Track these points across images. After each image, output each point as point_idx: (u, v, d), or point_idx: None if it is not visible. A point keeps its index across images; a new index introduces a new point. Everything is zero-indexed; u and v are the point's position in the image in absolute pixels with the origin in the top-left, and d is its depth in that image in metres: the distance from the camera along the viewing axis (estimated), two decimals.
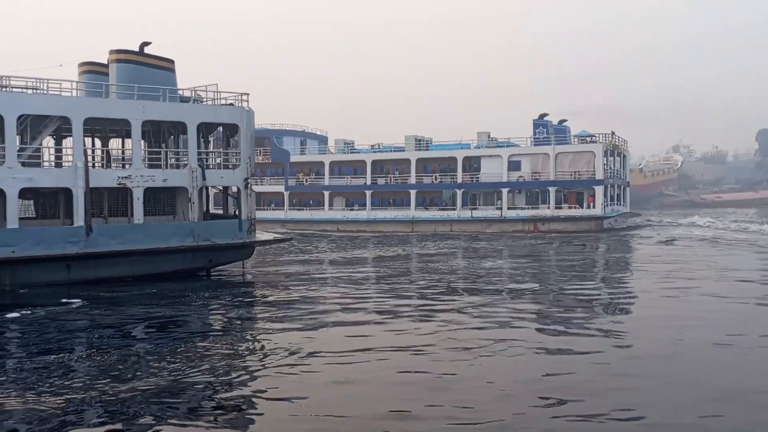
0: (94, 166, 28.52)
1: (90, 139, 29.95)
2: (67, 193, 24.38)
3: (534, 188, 54.92)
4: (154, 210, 26.74)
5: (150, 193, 26.09)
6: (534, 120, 57.11)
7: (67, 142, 26.41)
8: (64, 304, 20.15)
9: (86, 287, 23.17)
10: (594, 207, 52.61)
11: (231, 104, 28.04)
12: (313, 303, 20.19)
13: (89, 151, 27.98)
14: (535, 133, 56.45)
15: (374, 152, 61.06)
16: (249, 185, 27.61)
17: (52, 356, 13.85)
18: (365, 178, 59.24)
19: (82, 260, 23.92)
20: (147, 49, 27.53)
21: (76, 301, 20.58)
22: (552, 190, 53.42)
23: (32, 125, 24.02)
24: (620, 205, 58.70)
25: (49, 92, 24.42)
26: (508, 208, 54.41)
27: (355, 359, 13.34)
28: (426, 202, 58.13)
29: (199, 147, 27.70)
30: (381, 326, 16.63)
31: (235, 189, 28.37)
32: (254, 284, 25.53)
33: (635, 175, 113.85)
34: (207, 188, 29.11)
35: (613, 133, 57.47)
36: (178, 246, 25.63)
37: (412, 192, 57.07)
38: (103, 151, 29.36)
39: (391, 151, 60.88)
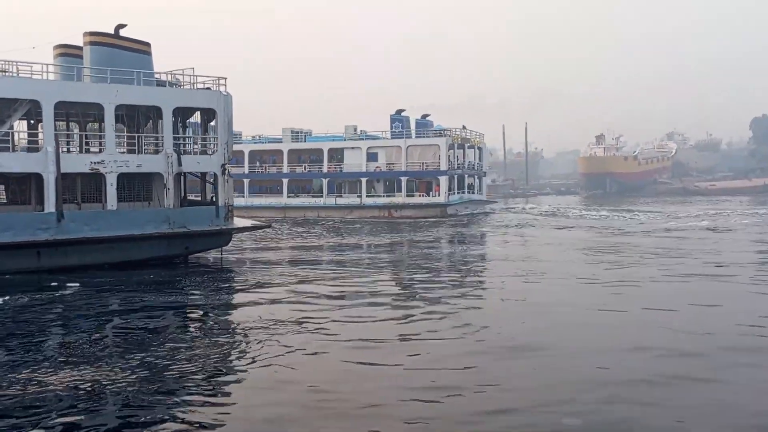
0: (69, 151, 28.20)
1: (65, 123, 29.50)
2: (38, 178, 24.11)
3: (389, 178, 59.63)
4: (129, 196, 26.53)
5: (124, 179, 25.86)
6: (391, 115, 62.04)
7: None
8: (35, 291, 19.99)
9: (57, 275, 22.99)
10: (439, 195, 57.90)
11: (208, 88, 27.65)
12: (292, 290, 20.24)
13: (62, 136, 27.55)
14: (392, 127, 61.49)
15: (254, 143, 64.83)
16: (226, 171, 27.30)
17: (23, 347, 13.74)
18: (243, 167, 62.22)
19: (52, 247, 23.73)
20: (122, 32, 27.17)
21: (48, 290, 20.42)
22: (404, 179, 58.29)
23: (1, 109, 23.58)
24: (474, 193, 64.65)
25: (20, 75, 23.94)
26: (367, 196, 59.29)
27: (329, 349, 13.36)
28: (298, 190, 62.32)
29: (175, 132, 27.40)
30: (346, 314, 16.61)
31: (212, 175, 27.97)
32: (232, 271, 25.45)
33: (629, 162, 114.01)
34: (184, 174, 28.71)
35: (463, 127, 63.51)
36: (153, 233, 25.43)
37: (285, 180, 61.06)
38: (78, 135, 28.85)
39: (266, 142, 64.68)
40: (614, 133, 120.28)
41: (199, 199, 31.51)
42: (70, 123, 30.25)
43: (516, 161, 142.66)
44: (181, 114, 28.38)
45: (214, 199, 27.78)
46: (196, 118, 29.36)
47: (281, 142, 63.94)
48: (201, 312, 18.29)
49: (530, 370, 11.93)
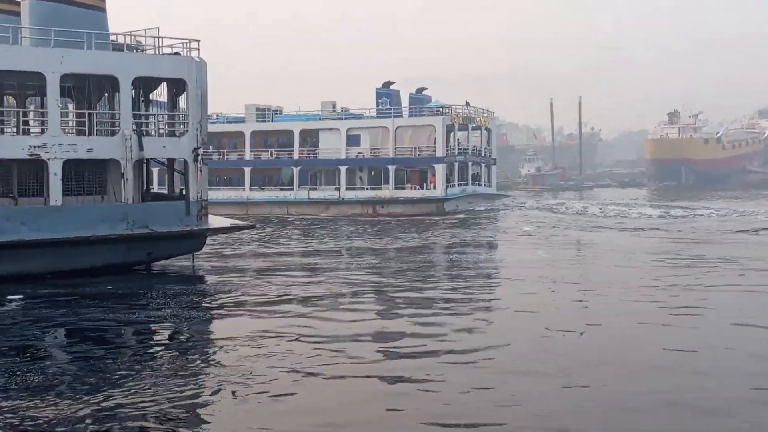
0: (3, 133, 28.31)
1: None
2: None
3: (374, 166, 59.79)
4: (78, 188, 26.59)
5: (72, 168, 25.92)
6: (377, 89, 61.88)
7: None
8: None
9: None
10: (435, 188, 57.85)
11: (177, 54, 27.65)
12: (278, 305, 20.48)
13: None
14: (378, 104, 61.42)
15: (210, 123, 65.26)
16: (199, 157, 27.31)
17: None
18: None
19: None
20: None
21: None
22: (391, 168, 58.38)
23: None
24: (481, 184, 64.50)
25: None
26: (347, 189, 59.24)
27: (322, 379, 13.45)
28: (264, 182, 62.25)
29: (135, 108, 27.42)
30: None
31: (182, 162, 28.02)
32: (206, 283, 25.51)
33: (711, 146, 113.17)
34: (146, 161, 28.76)
35: (467, 103, 63.52)
36: (108, 235, 25.55)
37: (247, 170, 60.52)
38: (14, 113, 28.91)
39: (225, 122, 64.26)
40: (692, 110, 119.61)
41: (166, 192, 31.55)
42: (5, 97, 30.34)
43: (567, 145, 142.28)
44: (143, 86, 28.44)
45: (184, 193, 27.78)
46: (162, 91, 29.30)
47: (243, 122, 63.76)
48: (168, 334, 18.38)
49: None
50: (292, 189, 60.23)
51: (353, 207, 58.04)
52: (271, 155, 62.42)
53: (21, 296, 21.71)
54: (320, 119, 62.56)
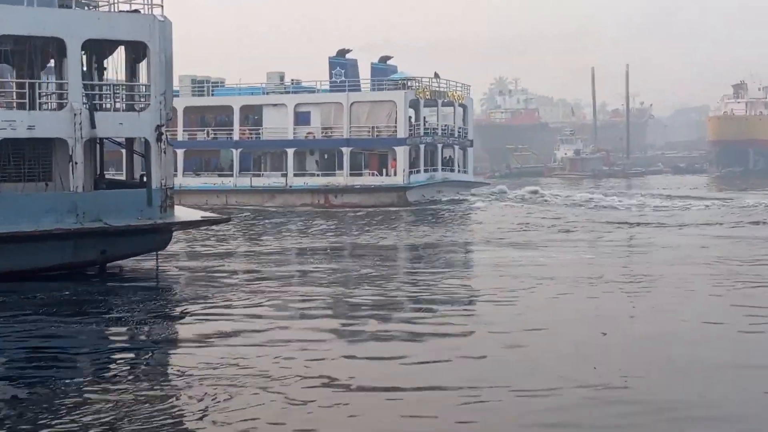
0: None
1: None
2: None
3: (326, 149, 60.85)
4: (17, 174, 26.57)
5: (9, 148, 25.91)
6: (330, 58, 62.41)
7: None
8: None
9: None
10: (396, 174, 58.54)
11: (136, 11, 27.57)
12: (253, 317, 20.57)
13: None
14: (331, 76, 62.01)
15: None
16: (163, 137, 27.23)
17: None
18: None
19: None
20: None
21: None
22: (346, 151, 59.08)
23: None
24: (455, 170, 65.36)
25: None
26: (296, 175, 60.07)
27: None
28: (199, 167, 62.95)
29: (87, 78, 27.28)
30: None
31: (142, 142, 27.97)
32: (172, 289, 25.47)
33: None
34: (99, 141, 28.69)
35: (436, 75, 64.33)
36: (53, 230, 25.44)
37: (179, 152, 58.87)
38: None
39: None
40: (762, 81, 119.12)
41: (123, 179, 31.50)
42: None
43: (611, 123, 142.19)
44: (96, 51, 28.38)
45: (144, 179, 27.72)
46: (119, 57, 29.27)
47: (177, 96, 62.98)
48: (130, 352, 18.32)
49: None
50: (231, 175, 60.81)
51: (302, 196, 58.69)
52: (208, 135, 62.69)
53: None
54: (265, 93, 63.18)
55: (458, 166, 66.13)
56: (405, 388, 14.59)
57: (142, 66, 27.96)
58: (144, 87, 27.79)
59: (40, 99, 27.36)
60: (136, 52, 27.98)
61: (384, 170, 59.31)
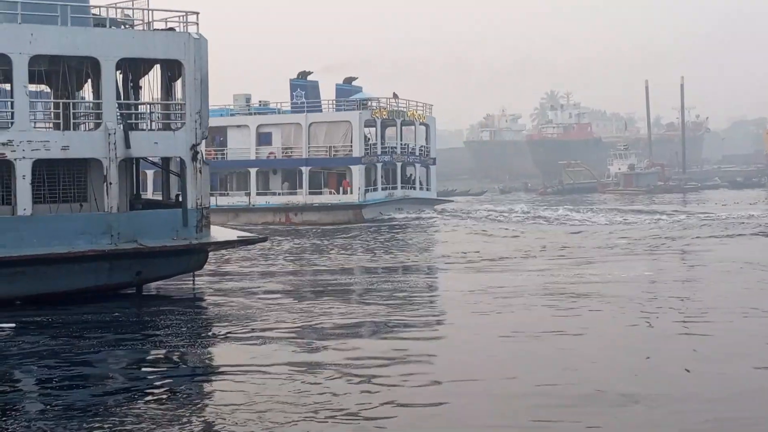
0: None
1: None
2: None
3: (287, 168, 63.52)
4: (51, 194, 26.49)
5: (44, 169, 25.85)
6: (291, 80, 65.93)
7: None
8: None
9: None
10: (351, 192, 61.45)
11: (171, 29, 27.42)
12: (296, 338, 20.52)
13: None
14: (292, 97, 65.70)
15: None
16: (199, 156, 27.05)
17: None
18: None
19: None
20: None
21: None
22: (305, 170, 61.95)
23: None
24: (416, 188, 67.79)
25: None
26: (259, 194, 62.80)
27: None
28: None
29: (123, 97, 27.15)
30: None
31: (177, 162, 27.84)
32: (210, 312, 25.15)
33: None
34: (135, 161, 28.59)
35: (394, 95, 67.11)
36: (87, 251, 25.30)
37: (149, 173, 56.36)
38: None
39: None
40: None
41: (160, 199, 31.35)
42: None
43: (666, 137, 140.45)
44: (132, 69, 28.33)
45: (180, 199, 27.52)
46: (155, 76, 29.16)
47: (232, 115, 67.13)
48: (166, 376, 18.15)
49: None
50: None
51: (264, 215, 60.71)
52: None
53: (13, 324, 21.94)
54: (231, 115, 65.99)
55: (421, 184, 68.52)
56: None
57: (178, 85, 27.83)
58: (179, 106, 27.62)
59: (75, 119, 27.19)
60: (172, 70, 27.89)
61: (341, 189, 62.03)
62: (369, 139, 63.92)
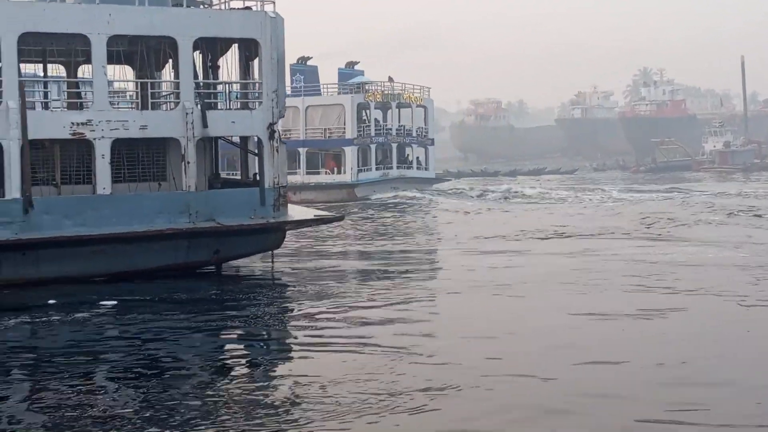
0: (48, 107, 28.76)
1: (42, 66, 30.17)
2: None
3: (287, 149, 61.44)
4: (131, 174, 26.80)
5: (123, 149, 26.14)
6: (291, 65, 65.81)
7: None
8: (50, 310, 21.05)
9: (22, 292, 23.34)
10: (344, 172, 63.81)
11: (248, 8, 27.40)
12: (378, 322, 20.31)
13: (31, 85, 28.17)
14: (292, 81, 66.67)
15: None
16: (276, 135, 26.97)
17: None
18: None
19: (18, 251, 24.12)
20: None
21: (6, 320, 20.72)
22: (302, 151, 63.58)
23: None
24: (414, 168, 70.28)
25: None
26: None
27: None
28: None
29: (200, 76, 27.22)
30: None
31: (255, 141, 27.88)
32: (291, 291, 25.18)
33: None
34: (214, 140, 28.69)
35: (390, 79, 69.34)
36: (165, 230, 25.50)
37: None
38: (57, 85, 29.39)
39: None
40: None
41: (239, 178, 31.42)
42: (51, 65, 30.83)
43: (763, 114, 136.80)
44: (210, 49, 28.43)
45: (257, 177, 27.53)
46: (233, 55, 29.16)
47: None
48: (246, 354, 18.51)
49: None
50: None
51: None
52: None
53: (115, 302, 22.57)
54: None
55: (418, 163, 70.78)
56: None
57: (255, 64, 27.79)
58: (256, 85, 27.57)
59: (154, 99, 27.36)
60: (249, 50, 27.89)
61: (335, 169, 64.35)
62: (370, 121, 66.57)
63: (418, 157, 71.01)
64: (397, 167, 67.68)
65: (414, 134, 70.43)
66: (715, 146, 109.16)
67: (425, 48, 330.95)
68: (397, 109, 69.45)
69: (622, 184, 77.39)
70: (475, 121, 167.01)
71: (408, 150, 70.28)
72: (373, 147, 65.34)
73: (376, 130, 66.08)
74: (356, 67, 71.28)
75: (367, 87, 66.16)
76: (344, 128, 63.75)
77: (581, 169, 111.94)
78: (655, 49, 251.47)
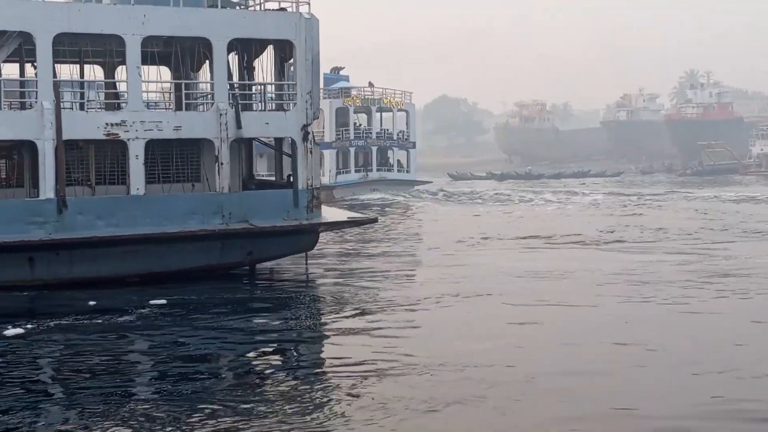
0: (84, 108, 28.83)
1: (79, 66, 30.22)
2: (31, 148, 24.60)
3: (271, 152, 64.35)
4: (165, 174, 26.77)
5: (157, 149, 26.09)
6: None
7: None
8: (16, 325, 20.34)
9: (57, 292, 23.38)
10: (323, 175, 62.95)
11: (283, 9, 27.31)
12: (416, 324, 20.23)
13: (67, 85, 28.27)
14: None
15: None
16: (310, 136, 26.83)
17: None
18: None
19: (52, 251, 24.17)
20: None
21: (33, 323, 20.61)
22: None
23: None
24: (395, 170, 72.63)
25: None
26: None
27: None
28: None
29: (234, 77, 27.16)
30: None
31: (289, 142, 27.75)
32: (325, 293, 25.10)
33: None
34: (248, 142, 28.63)
35: (370, 84, 72.52)
36: (198, 231, 25.43)
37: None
38: (93, 86, 29.50)
39: None
40: None
41: (273, 179, 31.32)
42: (87, 66, 30.89)
43: None
44: (246, 50, 28.38)
45: (291, 179, 27.42)
46: (268, 56, 29.11)
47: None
48: (280, 355, 18.43)
49: None
50: None
51: None
52: None
53: (164, 301, 22.64)
54: None
55: (399, 166, 73.34)
56: None
57: (290, 65, 27.71)
58: (290, 86, 27.47)
59: (189, 99, 27.34)
60: (283, 51, 27.82)
61: None
62: (350, 125, 69.18)
63: (399, 160, 73.26)
64: (377, 170, 69.92)
65: (395, 137, 72.69)
66: (762, 149, 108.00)
67: (468, 51, 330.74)
68: (379, 113, 72.46)
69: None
70: (519, 122, 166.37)
71: (390, 153, 72.55)
72: (352, 150, 67.87)
73: (355, 133, 68.50)
74: (341, 72, 73.90)
75: (346, 92, 68.80)
76: (322, 132, 64.72)
77: (626, 171, 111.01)
78: (702, 51, 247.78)
